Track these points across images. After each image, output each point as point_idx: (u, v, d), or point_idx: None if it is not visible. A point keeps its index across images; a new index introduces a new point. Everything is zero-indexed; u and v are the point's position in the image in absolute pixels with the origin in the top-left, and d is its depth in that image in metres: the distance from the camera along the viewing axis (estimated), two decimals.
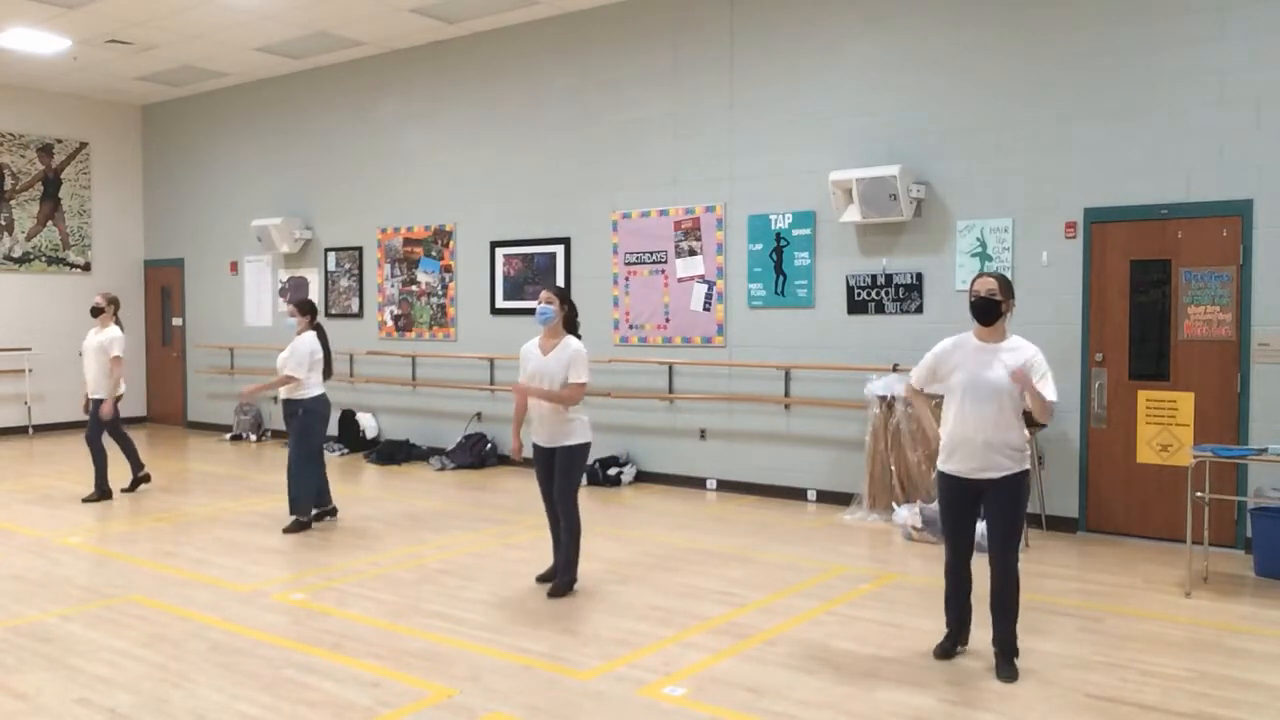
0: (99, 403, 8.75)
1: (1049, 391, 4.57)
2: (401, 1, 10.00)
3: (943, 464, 4.75)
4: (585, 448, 6.02)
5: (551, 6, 10.11)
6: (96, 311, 8.90)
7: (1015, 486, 4.62)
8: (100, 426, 8.79)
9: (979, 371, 4.62)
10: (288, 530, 7.63)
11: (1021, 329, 7.69)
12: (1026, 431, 4.71)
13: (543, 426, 5.96)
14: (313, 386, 7.67)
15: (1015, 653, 4.69)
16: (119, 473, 9.12)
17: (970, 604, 4.90)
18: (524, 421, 6.13)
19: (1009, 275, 7.84)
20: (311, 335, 7.77)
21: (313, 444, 7.81)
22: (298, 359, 7.58)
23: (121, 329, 8.96)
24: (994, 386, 4.56)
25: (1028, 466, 4.66)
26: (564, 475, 5.96)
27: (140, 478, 9.24)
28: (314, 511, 7.89)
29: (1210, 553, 6.53)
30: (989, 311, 4.65)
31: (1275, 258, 6.94)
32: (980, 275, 4.77)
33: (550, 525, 6.17)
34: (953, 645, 4.90)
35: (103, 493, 8.91)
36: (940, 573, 4.97)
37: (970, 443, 4.60)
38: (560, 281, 10.37)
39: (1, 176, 13.64)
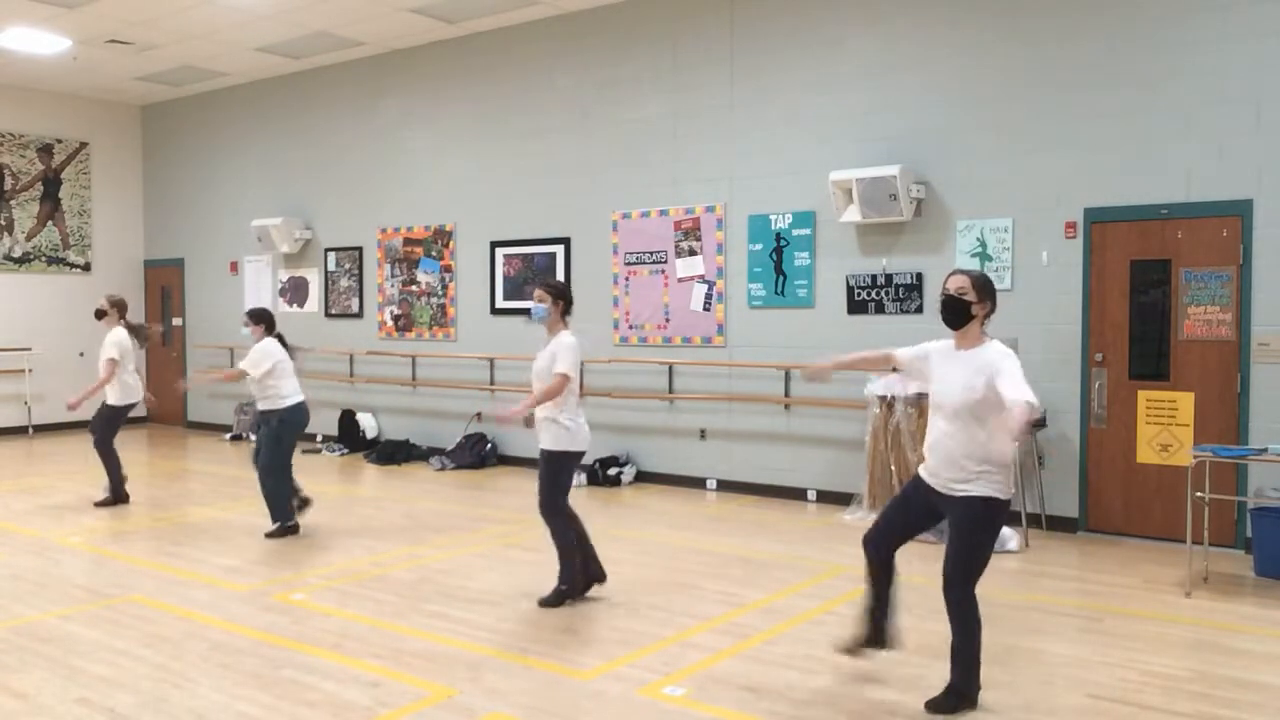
0: (102, 406, 8.59)
1: (1020, 392, 3.82)
2: (401, 1, 10.00)
3: (921, 467, 4.38)
4: (563, 455, 5.71)
5: (551, 6, 10.11)
6: (100, 314, 8.76)
7: (973, 510, 4.09)
8: (109, 429, 8.58)
9: (946, 380, 4.18)
10: (271, 535, 7.49)
11: (1022, 329, 7.75)
12: (1006, 449, 4.02)
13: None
14: (288, 395, 7.46)
15: (960, 693, 4.20)
16: (134, 476, 9.05)
17: (888, 596, 4.48)
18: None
19: (1009, 275, 7.86)
20: (273, 341, 7.58)
21: (281, 453, 7.55)
22: (252, 360, 7.42)
23: (129, 329, 8.73)
24: (962, 401, 4.07)
25: (995, 493, 4.07)
26: (541, 481, 5.75)
27: (111, 500, 8.76)
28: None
29: (1210, 553, 6.53)
30: (956, 313, 4.13)
31: (1275, 258, 6.94)
32: (954, 271, 4.25)
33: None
34: (856, 643, 4.51)
35: (117, 496, 8.71)
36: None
37: (934, 452, 4.22)
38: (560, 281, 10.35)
39: (1, 176, 13.64)
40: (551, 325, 5.82)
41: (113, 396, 8.58)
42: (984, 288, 4.17)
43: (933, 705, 4.25)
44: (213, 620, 5.51)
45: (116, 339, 8.61)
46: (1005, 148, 7.91)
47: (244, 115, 13.55)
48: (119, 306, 8.84)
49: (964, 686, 4.27)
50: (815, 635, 5.26)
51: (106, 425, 8.63)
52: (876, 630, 4.58)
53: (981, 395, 4.03)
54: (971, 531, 4.16)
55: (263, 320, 7.69)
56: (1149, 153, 7.34)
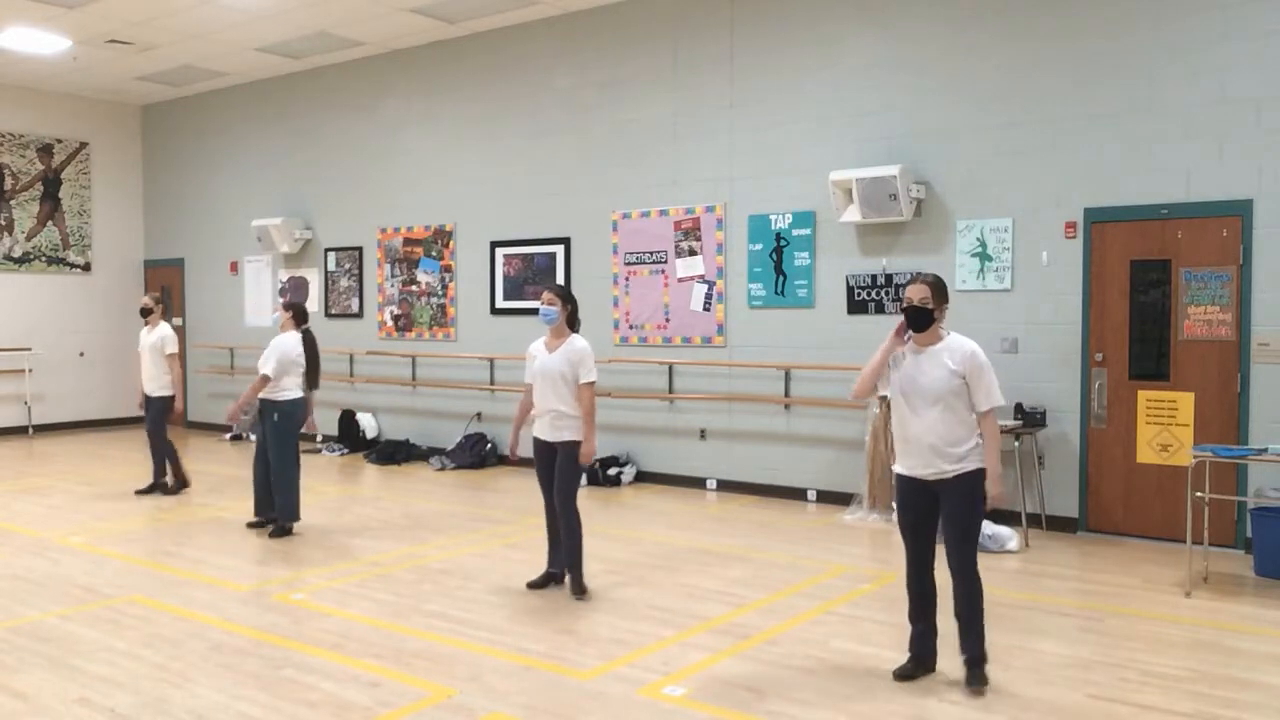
0: (156, 400, 9.07)
1: (989, 399, 4.50)
2: (401, 1, 10.00)
3: (896, 466, 4.72)
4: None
5: (551, 6, 10.11)
6: (146, 312, 9.17)
7: (966, 485, 4.50)
8: (162, 422, 9.12)
9: (916, 377, 4.58)
10: (274, 535, 7.52)
11: (1022, 329, 7.75)
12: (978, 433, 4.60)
13: (545, 421, 5.96)
14: (291, 389, 7.59)
15: (984, 659, 4.54)
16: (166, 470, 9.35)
17: (935, 622, 4.68)
18: (525, 422, 6.15)
19: (1009, 275, 7.86)
20: (294, 336, 7.70)
21: (289, 447, 7.67)
22: (273, 356, 7.52)
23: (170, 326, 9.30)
24: (933, 392, 4.51)
25: (981, 464, 4.53)
26: (563, 473, 5.92)
27: (160, 485, 9.29)
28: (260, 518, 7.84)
29: (1210, 553, 6.53)
30: (921, 320, 4.59)
31: (1275, 258, 6.94)
32: (913, 280, 4.65)
33: (548, 523, 6.13)
34: (915, 667, 4.66)
35: (181, 482, 9.30)
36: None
37: (917, 444, 4.56)
38: (560, 282, 10.36)
39: (1, 176, 13.64)
40: (559, 329, 5.99)
41: (170, 389, 9.13)
42: (940, 292, 4.62)
43: (975, 682, 4.49)
44: (213, 620, 5.51)
45: (173, 334, 9.13)
46: (1005, 147, 7.91)
47: (244, 115, 13.54)
48: (164, 304, 9.43)
49: (982, 651, 4.54)
50: (815, 635, 5.26)
51: (162, 416, 9.13)
52: (930, 656, 4.71)
53: (960, 384, 4.52)
54: (974, 503, 4.53)
55: (291, 309, 7.87)
56: (1149, 153, 7.34)
